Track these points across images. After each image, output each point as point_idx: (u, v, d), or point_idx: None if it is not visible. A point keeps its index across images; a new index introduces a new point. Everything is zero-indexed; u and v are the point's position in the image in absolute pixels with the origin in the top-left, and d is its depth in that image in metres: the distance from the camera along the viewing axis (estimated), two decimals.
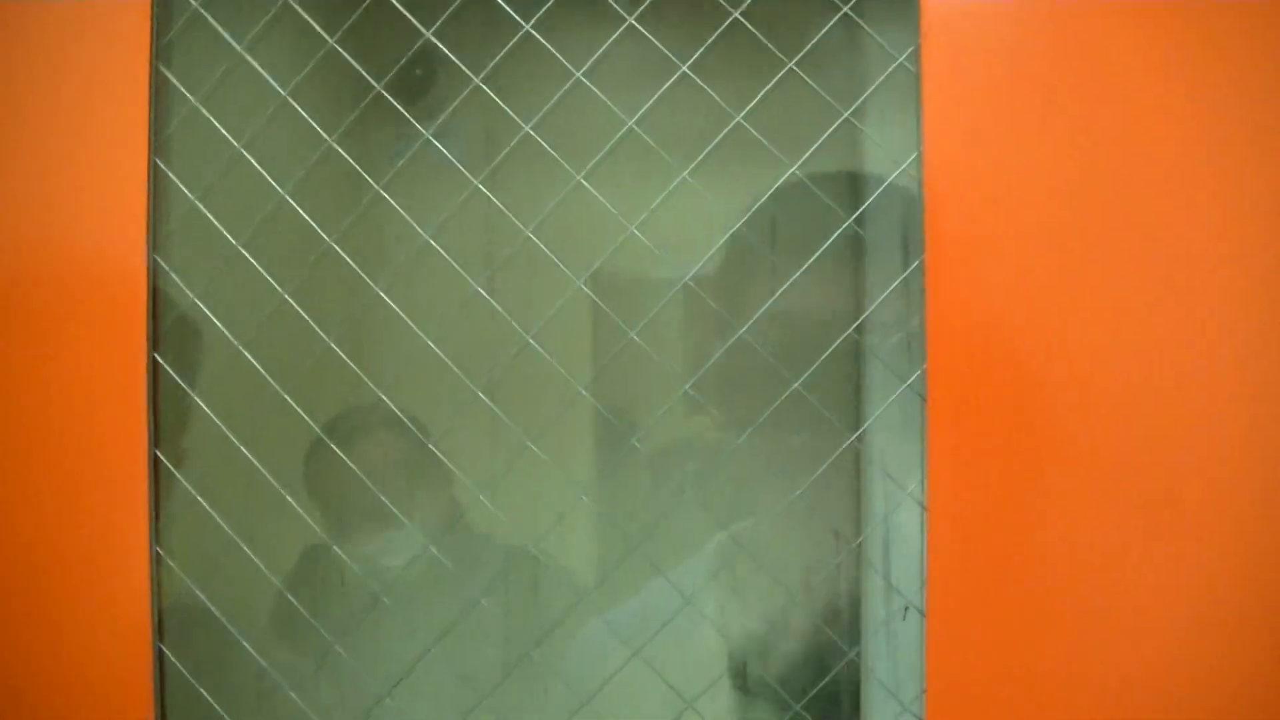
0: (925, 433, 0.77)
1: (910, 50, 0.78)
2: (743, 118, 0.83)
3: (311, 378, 0.90)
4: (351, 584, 1.03)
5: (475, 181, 0.86)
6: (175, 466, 0.87)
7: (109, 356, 0.86)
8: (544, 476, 0.99)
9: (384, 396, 0.89)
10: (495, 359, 0.90)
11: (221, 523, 0.88)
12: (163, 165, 0.87)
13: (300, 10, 0.89)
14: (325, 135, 0.88)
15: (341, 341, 0.89)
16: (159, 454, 0.86)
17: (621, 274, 0.91)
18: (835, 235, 0.85)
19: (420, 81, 0.94)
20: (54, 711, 0.86)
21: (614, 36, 0.84)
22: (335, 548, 0.96)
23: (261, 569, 0.89)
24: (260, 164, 0.89)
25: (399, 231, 0.91)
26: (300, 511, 0.91)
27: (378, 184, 0.90)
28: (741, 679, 0.94)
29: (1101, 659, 0.75)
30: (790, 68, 0.82)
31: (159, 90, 0.88)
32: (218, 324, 0.89)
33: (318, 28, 0.89)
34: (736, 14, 0.81)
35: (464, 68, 0.86)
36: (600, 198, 0.84)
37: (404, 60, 0.90)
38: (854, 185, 0.93)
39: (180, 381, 0.87)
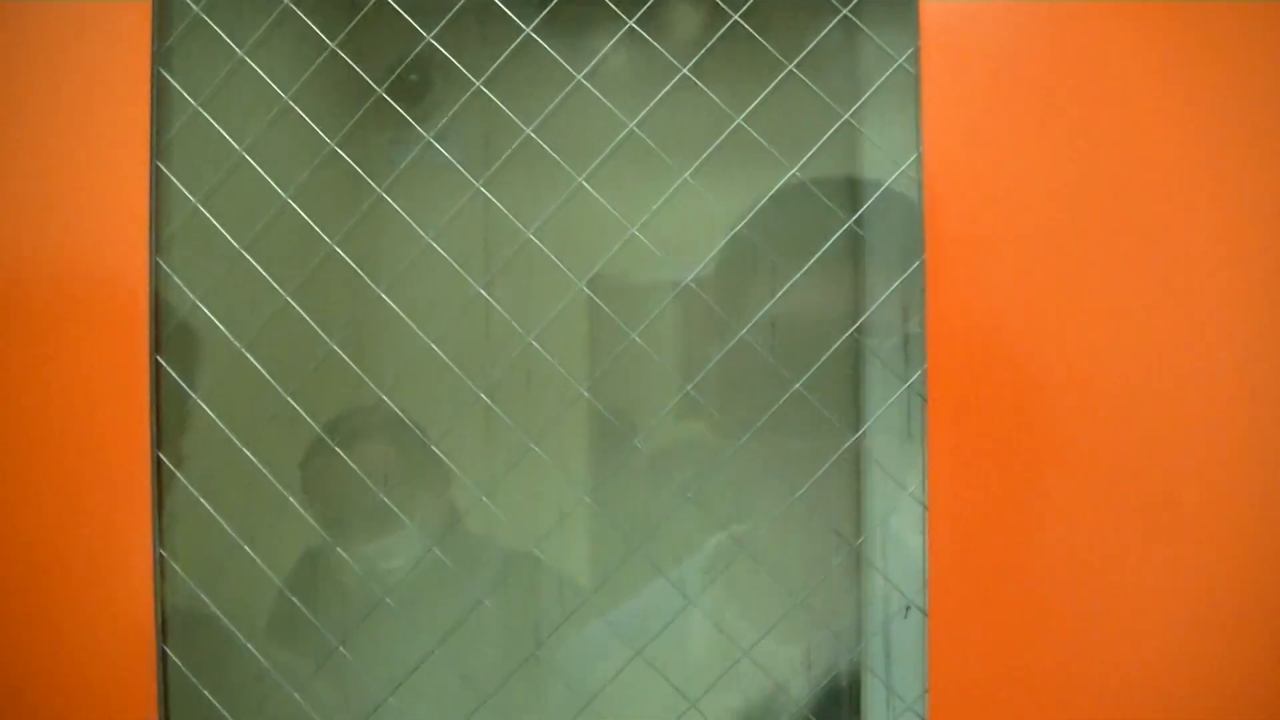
0: (925, 433, 0.77)
1: (910, 52, 0.78)
2: (743, 120, 0.83)
3: (311, 380, 0.90)
4: (353, 585, 1.03)
5: (477, 184, 0.86)
6: (178, 468, 0.87)
7: (111, 359, 0.86)
8: (543, 478, 0.99)
9: (386, 399, 0.89)
10: (494, 361, 0.91)
11: (224, 524, 0.88)
12: (164, 168, 0.88)
13: (301, 15, 0.89)
14: (327, 139, 0.89)
15: (340, 345, 0.89)
16: (161, 456, 0.86)
17: (620, 277, 0.91)
18: (835, 236, 0.85)
19: (415, 87, 0.95)
20: (58, 712, 0.86)
21: (614, 39, 0.84)
22: (339, 549, 0.96)
23: (264, 570, 0.89)
24: (259, 168, 0.89)
25: (396, 236, 0.92)
26: (302, 512, 0.91)
27: (377, 188, 0.90)
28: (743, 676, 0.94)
29: (1102, 657, 0.75)
30: (790, 70, 0.82)
31: (160, 94, 0.88)
32: (220, 326, 0.89)
33: (319, 32, 0.89)
34: (736, 16, 0.81)
35: (465, 71, 0.86)
36: (601, 199, 0.85)
37: (404, 64, 0.91)
38: (853, 187, 0.94)
39: (182, 383, 0.87)
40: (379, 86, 0.90)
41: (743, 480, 0.97)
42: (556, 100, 0.86)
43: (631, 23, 0.83)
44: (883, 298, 0.83)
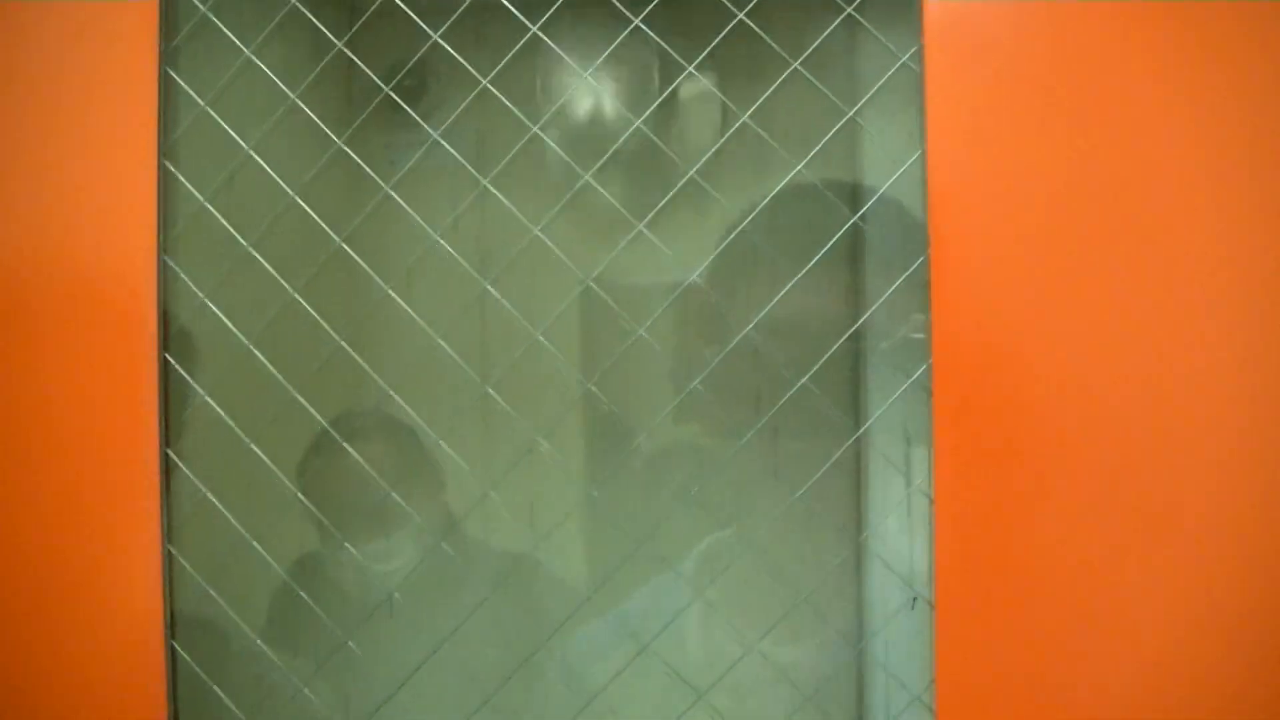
0: (929, 428, 0.78)
1: (913, 50, 0.78)
2: (749, 117, 0.83)
3: (310, 384, 0.90)
4: (359, 583, 1.04)
5: (484, 181, 0.87)
6: (186, 466, 0.87)
7: (119, 357, 0.87)
8: (542, 479, 0.99)
9: (396, 396, 0.89)
10: (492, 363, 0.91)
11: (233, 521, 0.88)
12: (171, 167, 0.88)
13: (309, 14, 0.89)
14: (335, 137, 0.89)
15: (339, 349, 0.90)
16: (170, 453, 0.87)
17: (616, 279, 0.91)
18: (839, 234, 0.86)
19: (410, 92, 0.95)
20: (67, 709, 0.86)
21: (620, 38, 0.85)
22: (347, 544, 0.96)
23: (272, 565, 0.90)
24: (267, 167, 0.90)
25: (391, 241, 0.92)
26: (313, 510, 0.92)
27: (376, 192, 0.91)
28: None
29: (1105, 649, 0.76)
30: (795, 68, 0.82)
31: (167, 93, 0.88)
32: (226, 323, 0.89)
33: (326, 32, 0.89)
34: (742, 15, 0.82)
35: (471, 69, 0.86)
36: (608, 195, 0.85)
37: (407, 66, 0.91)
38: (857, 184, 0.94)
39: (191, 381, 0.88)
40: (378, 90, 0.90)
41: (743, 480, 0.97)
42: (562, 99, 0.87)
43: (638, 21, 0.83)
44: (888, 293, 0.83)
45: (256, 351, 0.88)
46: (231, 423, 0.88)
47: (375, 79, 0.89)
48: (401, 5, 0.87)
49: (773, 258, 0.91)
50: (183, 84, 0.89)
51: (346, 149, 0.89)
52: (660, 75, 0.94)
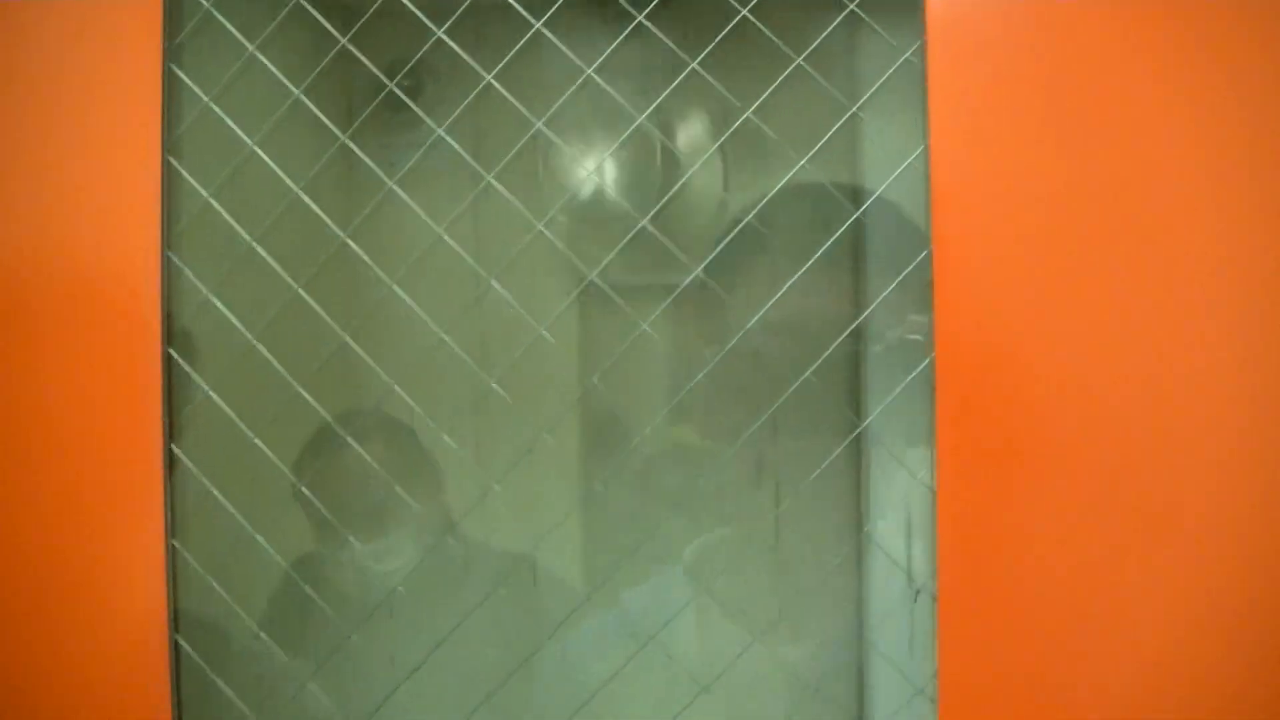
0: (930, 421, 0.78)
1: (916, 46, 0.79)
2: (752, 113, 0.84)
3: (314, 380, 0.90)
4: (359, 582, 1.04)
5: (488, 177, 0.87)
6: (190, 461, 0.87)
7: (122, 352, 0.87)
8: (543, 477, 1.00)
9: (400, 391, 0.89)
10: (494, 362, 0.91)
11: (237, 514, 0.88)
12: (175, 163, 0.88)
13: (315, 12, 0.90)
14: (339, 133, 0.89)
15: (336, 350, 0.90)
16: (174, 448, 0.87)
17: (614, 278, 0.92)
18: (843, 229, 0.86)
19: (407, 93, 0.95)
20: (71, 703, 0.86)
21: (624, 34, 0.85)
22: (351, 538, 0.97)
23: (276, 559, 0.90)
24: (271, 163, 0.90)
25: (389, 241, 0.92)
26: (318, 505, 0.92)
27: (373, 194, 0.91)
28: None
29: (1108, 642, 0.76)
30: (799, 63, 0.83)
31: (170, 89, 0.89)
32: (231, 319, 0.89)
33: (329, 27, 0.89)
34: (745, 11, 0.82)
35: (475, 66, 0.87)
36: (612, 193, 0.85)
37: (409, 64, 0.91)
38: (858, 182, 0.95)
39: (195, 376, 0.88)
40: (375, 93, 0.91)
41: (743, 478, 0.98)
42: (566, 94, 0.87)
43: (641, 18, 0.84)
44: (891, 287, 0.84)
45: (260, 346, 0.88)
46: (234, 416, 0.88)
47: (379, 74, 0.89)
48: (406, 2, 0.87)
49: (773, 255, 0.92)
50: (186, 80, 0.89)
51: (350, 144, 0.89)
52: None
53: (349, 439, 0.92)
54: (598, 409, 1.03)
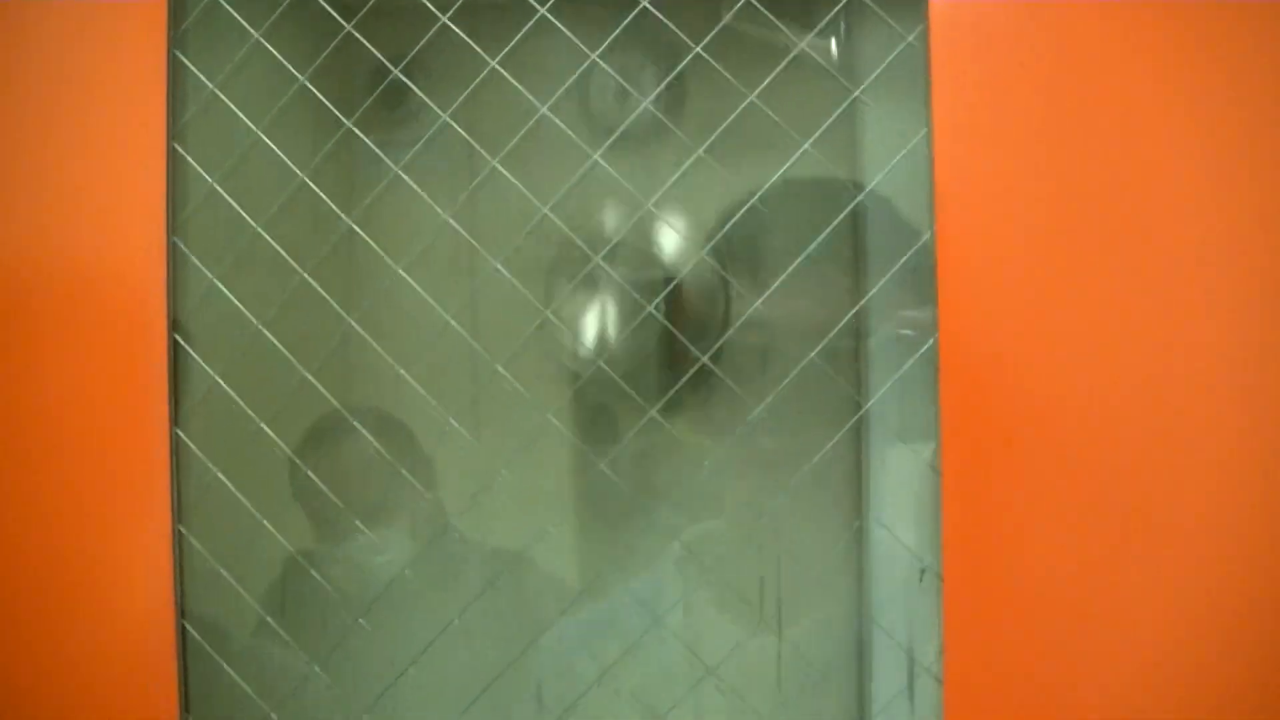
0: (934, 408, 0.78)
1: (919, 29, 0.79)
2: (741, 106, 0.84)
3: (314, 375, 0.91)
4: (359, 574, 1.04)
5: (493, 162, 0.87)
6: (196, 447, 0.88)
7: (128, 339, 0.87)
8: (538, 476, 1.00)
9: (408, 377, 0.90)
10: (494, 354, 0.91)
11: (243, 499, 0.88)
12: (180, 149, 0.88)
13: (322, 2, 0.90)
14: (344, 119, 0.90)
15: (332, 348, 0.90)
16: (179, 432, 0.87)
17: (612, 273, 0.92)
18: (844, 214, 0.87)
19: (402, 87, 0.95)
20: (79, 688, 0.86)
21: (627, 20, 0.86)
22: (365, 529, 0.97)
23: (283, 542, 0.90)
24: (266, 155, 0.90)
25: (390, 233, 0.93)
26: (328, 493, 0.92)
27: (371, 188, 0.91)
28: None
29: (1112, 626, 0.76)
30: (802, 48, 0.83)
31: (175, 76, 0.89)
32: (238, 304, 0.90)
33: (336, 15, 0.90)
34: None
35: (481, 52, 0.87)
36: (616, 174, 0.86)
37: (411, 54, 0.91)
38: (857, 171, 0.95)
39: (200, 360, 0.88)
40: (373, 84, 0.91)
41: (746, 465, 0.98)
42: (570, 81, 0.88)
43: (645, 3, 0.84)
44: (891, 272, 0.84)
45: (266, 331, 0.89)
46: (241, 402, 0.88)
47: (383, 60, 0.90)
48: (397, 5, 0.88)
49: (773, 244, 0.92)
50: (192, 67, 0.89)
51: (356, 130, 0.89)
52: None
53: (356, 424, 0.92)
54: (597, 395, 1.03)
